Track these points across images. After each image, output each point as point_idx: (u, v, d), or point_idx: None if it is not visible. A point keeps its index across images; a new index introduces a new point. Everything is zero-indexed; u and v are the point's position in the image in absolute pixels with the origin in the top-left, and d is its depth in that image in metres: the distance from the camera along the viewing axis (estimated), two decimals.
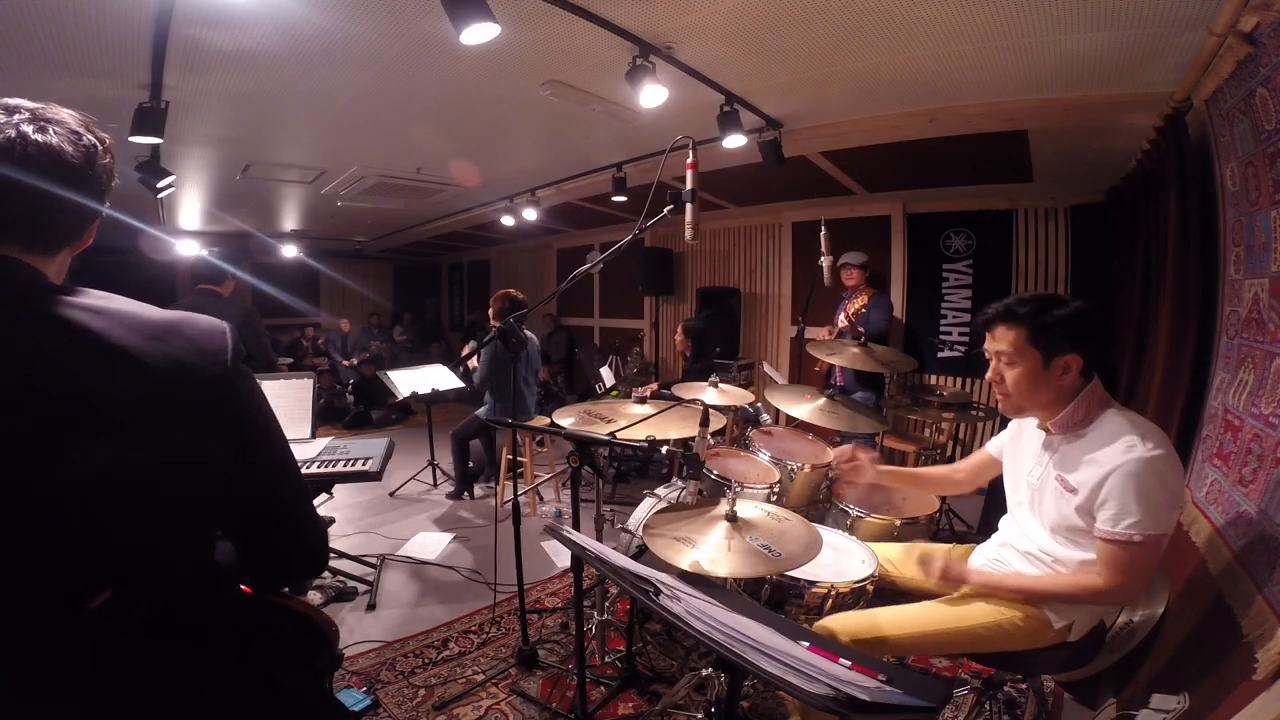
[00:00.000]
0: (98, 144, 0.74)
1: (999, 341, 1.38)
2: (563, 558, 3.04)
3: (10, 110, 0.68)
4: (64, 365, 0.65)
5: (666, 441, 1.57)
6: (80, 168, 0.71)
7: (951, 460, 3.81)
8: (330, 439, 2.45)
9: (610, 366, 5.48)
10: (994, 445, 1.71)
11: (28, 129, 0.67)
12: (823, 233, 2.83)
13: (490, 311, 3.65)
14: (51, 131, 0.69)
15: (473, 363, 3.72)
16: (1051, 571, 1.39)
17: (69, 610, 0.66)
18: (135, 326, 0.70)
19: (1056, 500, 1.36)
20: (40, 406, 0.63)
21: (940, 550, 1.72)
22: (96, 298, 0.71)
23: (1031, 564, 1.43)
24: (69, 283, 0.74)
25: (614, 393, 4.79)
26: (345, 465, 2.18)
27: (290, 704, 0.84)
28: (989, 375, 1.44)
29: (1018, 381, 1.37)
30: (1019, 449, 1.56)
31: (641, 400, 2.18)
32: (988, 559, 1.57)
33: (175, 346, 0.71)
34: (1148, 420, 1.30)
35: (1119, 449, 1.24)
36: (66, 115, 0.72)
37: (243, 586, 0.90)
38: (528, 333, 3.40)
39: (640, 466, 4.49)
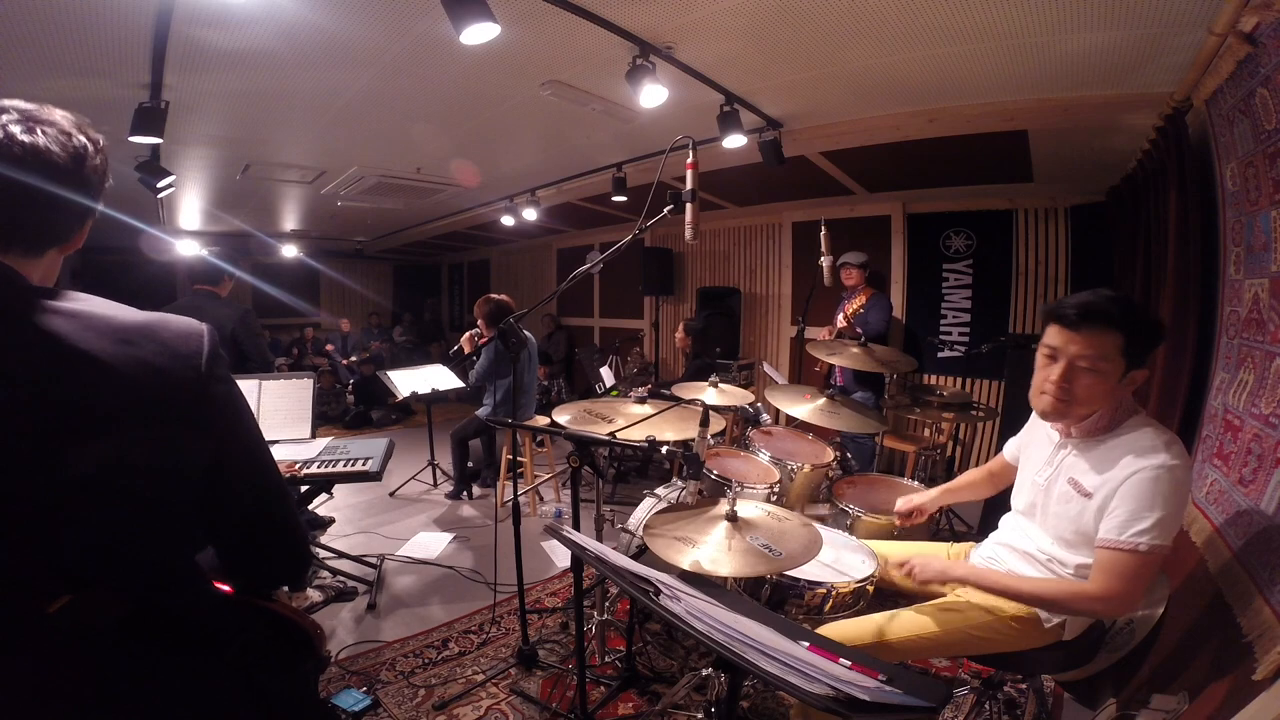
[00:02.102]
0: (89, 145, 0.72)
1: (1086, 344, 1.22)
2: (563, 558, 3.04)
3: (0, 110, 0.67)
4: (31, 370, 0.64)
5: (666, 441, 1.57)
6: (68, 169, 0.70)
7: (950, 461, 3.83)
8: (330, 439, 2.45)
9: (610, 366, 5.48)
10: (1009, 449, 1.67)
11: (15, 129, 0.66)
12: (823, 233, 2.83)
13: (479, 321, 3.66)
14: (39, 132, 0.68)
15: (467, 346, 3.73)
16: (1048, 571, 1.38)
17: (28, 617, 0.64)
18: (106, 330, 0.68)
19: (1066, 503, 1.33)
20: (5, 412, 0.62)
21: (927, 549, 1.73)
22: (70, 300, 0.69)
23: (1028, 563, 1.43)
24: (65, 282, 0.74)
25: (614, 393, 4.79)
26: (345, 465, 2.19)
27: (271, 707, 0.83)
28: (1054, 377, 1.26)
29: (1091, 390, 1.24)
30: (1030, 450, 1.53)
31: (641, 400, 2.18)
32: (983, 557, 1.57)
33: (147, 350, 0.70)
34: (1170, 431, 1.26)
35: (1139, 455, 1.20)
36: (59, 116, 0.71)
37: (225, 589, 0.89)
38: (526, 333, 3.42)
39: (640, 466, 4.49)
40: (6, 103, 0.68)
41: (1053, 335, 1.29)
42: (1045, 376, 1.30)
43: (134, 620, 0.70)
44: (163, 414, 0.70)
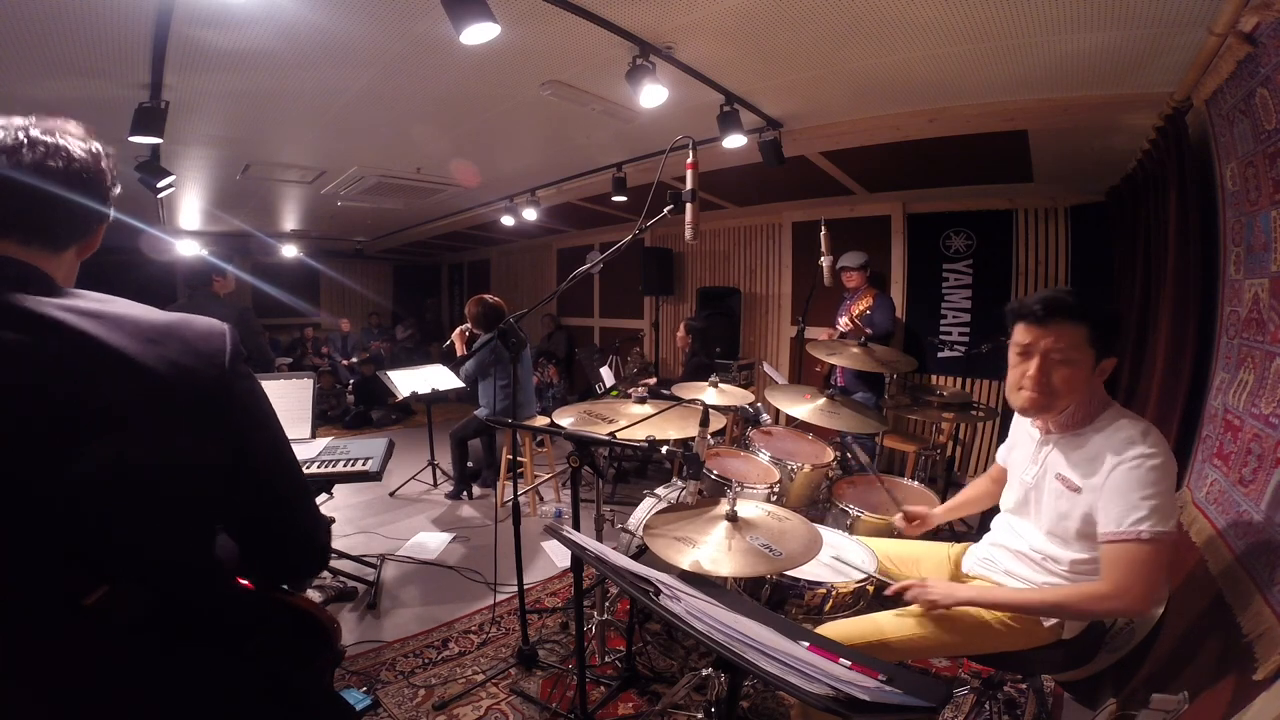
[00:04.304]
0: (101, 150, 0.78)
1: (1056, 337, 1.26)
2: (563, 558, 3.04)
3: (13, 120, 0.73)
4: (60, 368, 0.65)
5: (666, 441, 1.57)
6: (89, 167, 0.75)
7: (951, 461, 3.83)
8: (330, 439, 2.45)
9: (610, 366, 5.48)
10: (1001, 454, 1.68)
11: (35, 132, 0.71)
12: (823, 233, 2.83)
13: (469, 320, 3.65)
14: (58, 135, 0.73)
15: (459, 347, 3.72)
16: (1043, 571, 1.39)
17: (66, 608, 0.66)
18: (131, 330, 0.70)
19: (1056, 500, 1.35)
20: (36, 408, 0.64)
21: (926, 550, 1.72)
22: (95, 301, 0.71)
23: (1023, 563, 1.43)
24: (75, 283, 0.76)
25: (614, 393, 4.79)
26: (345, 465, 2.19)
27: (291, 701, 0.84)
28: (1031, 372, 1.30)
29: (1069, 380, 1.27)
30: (1015, 450, 1.56)
31: (641, 400, 2.18)
32: (979, 558, 1.57)
33: (171, 349, 0.72)
34: (1145, 419, 1.29)
35: (1120, 447, 1.23)
36: (71, 125, 0.76)
37: (245, 583, 0.90)
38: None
39: (640, 466, 4.49)
40: (19, 119, 0.74)
41: (1021, 333, 1.33)
42: (1022, 373, 1.33)
43: (159, 614, 0.71)
44: (186, 412, 0.72)
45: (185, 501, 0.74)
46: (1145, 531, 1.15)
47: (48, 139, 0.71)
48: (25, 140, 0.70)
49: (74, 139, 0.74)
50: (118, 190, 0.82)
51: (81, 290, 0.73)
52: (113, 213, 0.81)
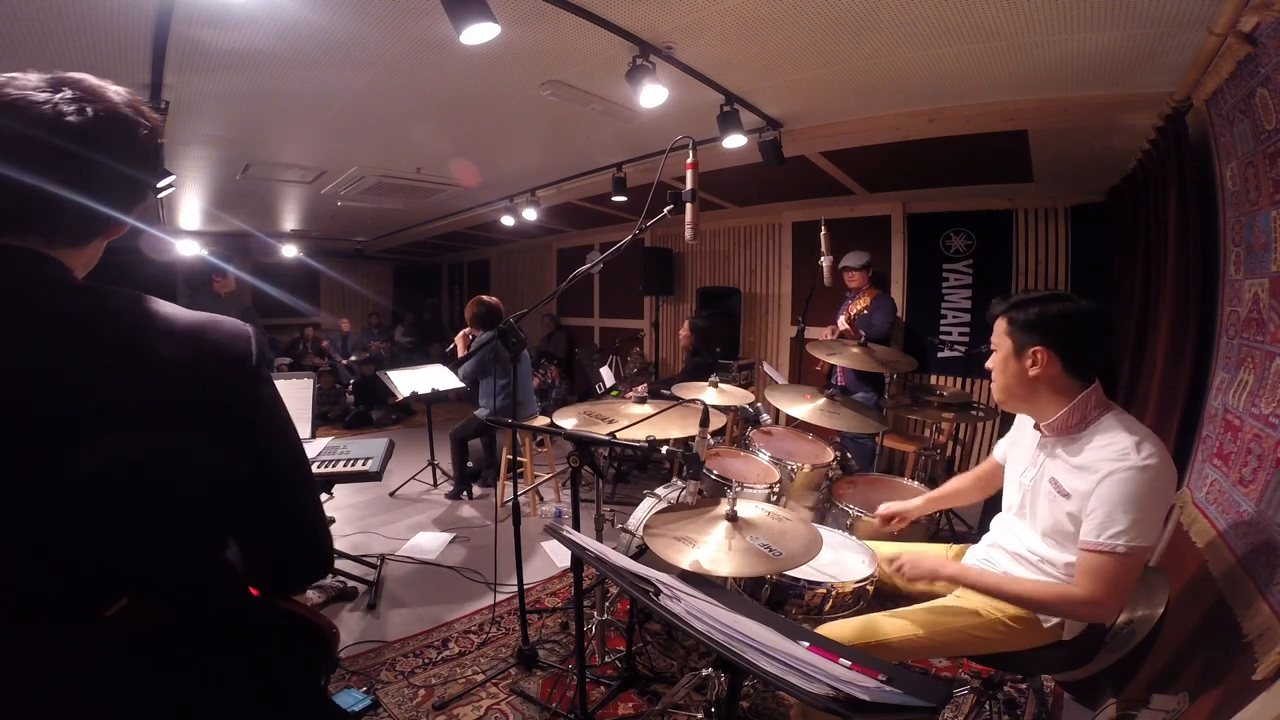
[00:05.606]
0: (146, 125, 0.71)
1: (994, 331, 1.49)
2: (563, 558, 3.04)
3: (57, 85, 0.63)
4: (85, 366, 0.64)
5: (666, 441, 1.57)
6: (117, 146, 0.68)
7: (950, 461, 3.83)
8: (330, 439, 2.45)
9: (610, 366, 5.48)
10: (999, 450, 1.70)
11: (66, 107, 0.63)
12: (823, 233, 2.83)
13: (468, 322, 3.65)
14: (89, 111, 0.65)
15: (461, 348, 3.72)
16: (1039, 572, 1.39)
17: (85, 619, 0.65)
18: (160, 329, 0.69)
19: (1049, 504, 1.35)
20: (60, 406, 0.63)
21: (927, 549, 1.73)
22: (122, 299, 0.70)
23: (1020, 564, 1.44)
24: (90, 278, 0.74)
25: (614, 393, 4.79)
26: (345, 465, 2.19)
27: (291, 708, 0.84)
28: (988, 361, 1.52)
29: (996, 365, 1.48)
30: (1017, 450, 1.56)
31: (641, 400, 2.18)
32: (978, 559, 1.57)
33: (200, 350, 0.71)
34: (1145, 427, 1.28)
35: (1112, 456, 1.22)
36: (113, 94, 0.68)
37: (251, 590, 0.90)
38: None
39: (640, 466, 4.49)
40: (67, 76, 0.65)
41: None
42: None
43: (175, 623, 0.71)
44: (211, 412, 0.71)
45: (202, 503, 0.73)
46: (1121, 546, 1.16)
47: (74, 120, 0.63)
48: (53, 114, 0.62)
49: (108, 114, 0.65)
50: (162, 168, 0.75)
51: (111, 288, 0.70)
52: (154, 189, 0.76)
